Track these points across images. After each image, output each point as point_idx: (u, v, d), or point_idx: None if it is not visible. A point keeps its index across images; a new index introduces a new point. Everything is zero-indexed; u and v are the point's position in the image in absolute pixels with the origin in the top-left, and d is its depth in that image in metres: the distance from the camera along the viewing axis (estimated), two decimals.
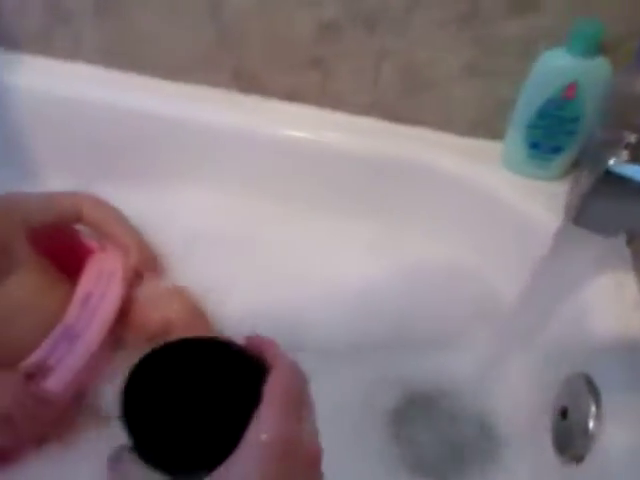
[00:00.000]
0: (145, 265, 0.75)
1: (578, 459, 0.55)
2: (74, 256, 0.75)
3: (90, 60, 0.89)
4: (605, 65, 0.69)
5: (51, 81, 0.89)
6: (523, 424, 0.71)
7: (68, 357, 0.63)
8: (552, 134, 0.75)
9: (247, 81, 0.86)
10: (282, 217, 0.89)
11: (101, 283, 0.70)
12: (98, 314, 0.67)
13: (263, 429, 0.33)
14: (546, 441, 0.62)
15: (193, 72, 0.87)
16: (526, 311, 0.68)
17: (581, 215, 0.52)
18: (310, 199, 0.90)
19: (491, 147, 0.82)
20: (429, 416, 0.75)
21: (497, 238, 0.82)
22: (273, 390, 0.35)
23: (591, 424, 0.55)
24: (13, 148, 0.93)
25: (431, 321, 0.80)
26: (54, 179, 0.91)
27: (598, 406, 0.55)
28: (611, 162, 0.49)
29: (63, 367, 0.62)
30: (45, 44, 0.89)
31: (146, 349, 0.37)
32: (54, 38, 0.88)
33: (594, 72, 0.69)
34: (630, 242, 0.68)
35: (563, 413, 0.61)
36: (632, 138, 0.49)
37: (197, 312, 0.75)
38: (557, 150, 0.77)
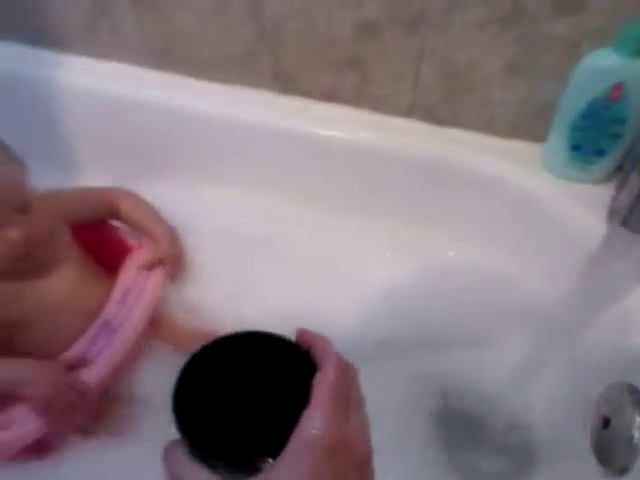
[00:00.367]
0: (172, 260, 0.76)
1: (622, 471, 0.54)
2: (113, 252, 0.76)
3: (130, 60, 0.91)
4: None
5: (92, 80, 0.91)
6: (561, 431, 0.69)
7: (106, 351, 0.64)
8: (596, 136, 0.73)
9: (286, 81, 0.86)
10: (312, 217, 0.90)
11: (139, 280, 0.72)
12: (135, 310, 0.68)
13: (313, 427, 0.33)
14: (586, 451, 0.60)
15: (232, 72, 0.88)
16: (567, 316, 0.66)
17: (631, 217, 0.51)
18: (341, 199, 0.91)
19: (532, 149, 0.81)
20: (464, 419, 0.74)
21: (536, 241, 0.80)
22: (323, 387, 0.35)
23: (636, 435, 0.53)
24: (54, 144, 0.96)
25: (464, 322, 0.79)
26: (93, 175, 0.93)
27: None
28: None
29: (101, 360, 0.63)
30: (88, 44, 0.91)
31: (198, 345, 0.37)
32: (96, 38, 0.90)
33: None
34: None
35: (604, 422, 0.59)
36: None
37: None
38: (600, 153, 0.75)
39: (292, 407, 0.34)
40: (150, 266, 0.73)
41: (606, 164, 0.76)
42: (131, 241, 0.78)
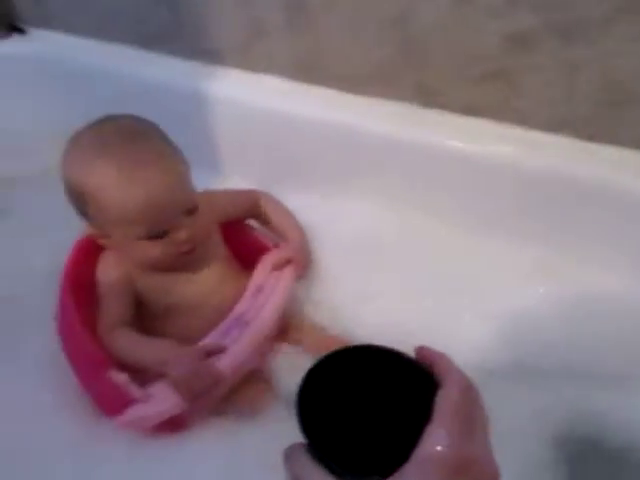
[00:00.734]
0: (300, 259, 0.78)
1: None
2: (249, 250, 0.81)
3: (280, 73, 0.96)
4: None
5: (245, 92, 0.97)
6: None
7: (238, 342, 0.67)
8: None
9: (428, 94, 0.86)
10: (446, 234, 0.87)
11: (271, 278, 0.75)
12: (267, 306, 0.71)
13: (437, 443, 0.32)
14: None
15: (375, 85, 0.89)
16: None
17: None
18: (478, 217, 0.88)
19: None
20: (594, 450, 0.67)
21: None
22: (446, 404, 0.34)
23: None
24: (207, 150, 1.04)
25: (605, 356, 0.73)
26: (236, 180, 0.99)
27: None
28: None
29: (234, 351, 0.66)
30: (243, 58, 0.98)
31: (321, 355, 0.38)
32: (251, 53, 0.97)
33: None
34: None
35: None
36: None
37: None
38: None
39: (413, 422, 0.34)
40: (280, 265, 0.76)
41: None
42: (265, 241, 0.82)
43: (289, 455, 0.35)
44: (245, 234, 0.84)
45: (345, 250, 0.85)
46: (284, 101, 0.95)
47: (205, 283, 0.73)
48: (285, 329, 0.77)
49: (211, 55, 1.01)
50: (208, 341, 0.67)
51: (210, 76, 1.00)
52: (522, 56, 0.76)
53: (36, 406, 0.68)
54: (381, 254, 0.85)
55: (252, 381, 0.70)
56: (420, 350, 0.39)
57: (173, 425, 0.65)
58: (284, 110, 0.94)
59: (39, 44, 1.16)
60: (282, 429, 0.62)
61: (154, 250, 0.66)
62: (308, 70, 0.94)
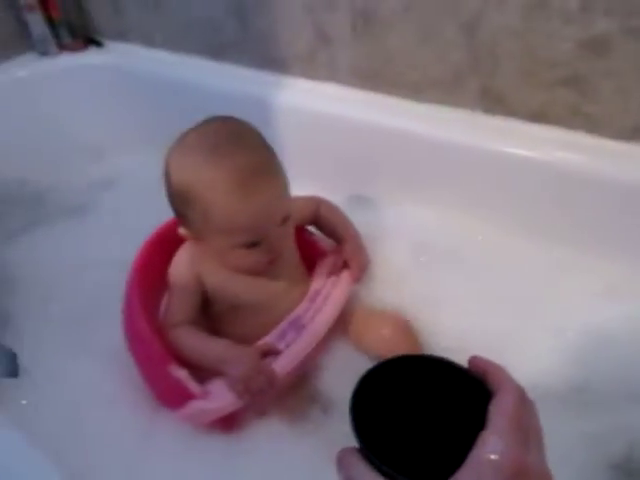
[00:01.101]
0: (357, 263, 0.77)
1: None
2: (309, 255, 0.81)
3: (344, 81, 0.98)
4: None
5: (309, 100, 0.99)
6: None
7: (294, 345, 0.67)
8: None
9: (492, 101, 0.84)
10: (510, 243, 0.85)
11: (329, 283, 0.75)
12: (323, 310, 0.71)
13: (491, 451, 0.31)
14: None
15: (438, 92, 0.89)
16: None
17: None
18: (545, 228, 0.85)
19: None
20: None
21: None
22: (501, 412, 0.33)
23: None
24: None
25: None
26: (300, 185, 1.00)
27: None
28: None
29: (289, 353, 0.66)
30: (307, 67, 1.00)
31: (375, 362, 0.39)
32: (315, 62, 0.99)
33: None
34: None
35: None
36: None
37: (409, 334, 0.76)
38: None
39: (466, 430, 0.34)
40: (337, 268, 0.76)
41: None
42: (323, 245, 0.83)
43: (342, 459, 0.35)
44: (304, 239, 0.85)
45: (407, 255, 0.85)
46: (347, 108, 0.96)
47: (277, 286, 0.72)
48: (345, 331, 0.77)
49: (278, 65, 1.03)
50: (264, 342, 0.67)
51: (277, 85, 1.03)
52: (596, 62, 0.73)
53: (101, 397, 0.71)
54: (444, 261, 0.84)
55: (304, 385, 0.71)
56: (473, 359, 0.39)
57: (227, 423, 0.67)
58: (348, 117, 0.95)
59: (115, 56, 1.23)
60: (332, 433, 0.62)
61: (248, 258, 0.66)
62: (371, 77, 0.94)
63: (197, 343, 0.67)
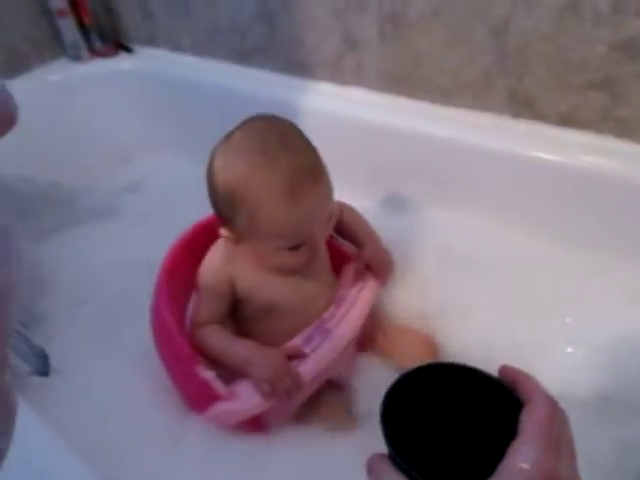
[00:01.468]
0: (379, 267, 0.77)
1: None
2: (334, 259, 0.81)
3: (370, 85, 0.98)
4: None
5: (336, 105, 1.00)
6: None
7: (320, 350, 0.67)
8: None
9: (521, 105, 0.84)
10: (539, 249, 0.84)
11: (355, 289, 0.75)
12: (349, 316, 0.71)
13: (523, 460, 0.31)
14: None
15: (467, 96, 0.88)
16: None
17: None
18: (573, 233, 0.83)
19: None
20: None
21: None
22: (532, 421, 0.33)
23: None
24: None
25: None
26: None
27: None
28: None
29: (314, 357, 0.66)
30: (334, 71, 1.01)
31: (403, 369, 0.39)
32: (342, 66, 0.99)
33: None
34: None
35: None
36: None
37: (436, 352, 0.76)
38: None
39: (497, 439, 0.33)
40: (360, 272, 0.76)
41: None
42: (347, 250, 0.82)
43: (372, 465, 0.35)
44: (329, 243, 0.85)
45: (440, 260, 0.84)
46: (374, 113, 0.96)
47: (311, 287, 0.72)
48: (370, 337, 0.76)
49: (304, 68, 1.04)
50: (290, 345, 0.68)
51: (305, 90, 1.03)
52: (628, 64, 0.72)
53: (130, 398, 0.72)
54: (470, 268, 0.83)
55: (333, 392, 0.71)
56: (503, 369, 0.38)
57: (253, 425, 0.67)
58: (375, 122, 0.95)
59: (144, 61, 1.25)
60: (361, 440, 0.62)
61: (292, 260, 0.65)
62: (399, 82, 0.94)
63: (223, 343, 0.68)
